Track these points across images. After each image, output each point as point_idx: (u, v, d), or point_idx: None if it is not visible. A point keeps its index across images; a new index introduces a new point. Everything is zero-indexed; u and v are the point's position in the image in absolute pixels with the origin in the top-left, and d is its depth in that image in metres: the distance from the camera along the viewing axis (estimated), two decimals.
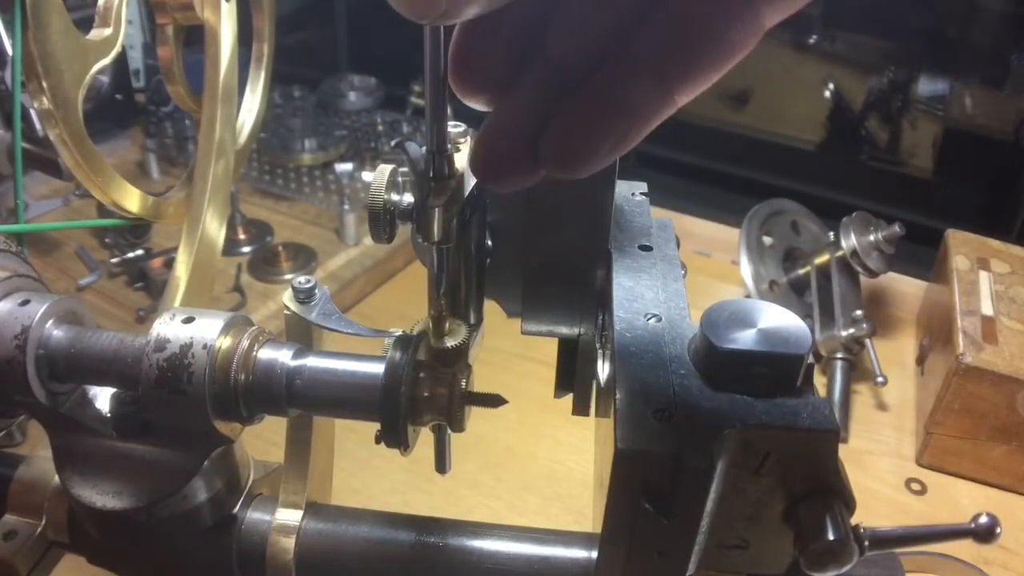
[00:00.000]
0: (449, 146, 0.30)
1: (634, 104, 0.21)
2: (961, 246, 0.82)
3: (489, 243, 0.35)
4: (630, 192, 0.38)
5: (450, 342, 0.33)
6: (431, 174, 0.29)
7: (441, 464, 0.35)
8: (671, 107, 0.22)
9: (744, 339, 0.26)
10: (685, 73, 0.21)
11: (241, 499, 0.36)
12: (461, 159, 0.31)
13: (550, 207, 0.33)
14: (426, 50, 0.26)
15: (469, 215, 0.32)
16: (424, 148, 0.29)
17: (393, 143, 0.31)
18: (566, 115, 0.22)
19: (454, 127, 0.32)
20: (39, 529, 0.36)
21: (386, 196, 0.31)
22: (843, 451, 0.25)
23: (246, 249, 0.93)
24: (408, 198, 0.31)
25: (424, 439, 0.34)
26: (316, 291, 0.34)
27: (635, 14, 0.21)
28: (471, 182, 0.31)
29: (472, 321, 0.35)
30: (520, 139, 0.23)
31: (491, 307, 0.37)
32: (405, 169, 0.31)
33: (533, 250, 0.34)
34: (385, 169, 0.31)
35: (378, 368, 0.31)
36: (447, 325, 0.33)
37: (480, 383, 0.33)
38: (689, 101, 0.22)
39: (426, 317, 0.34)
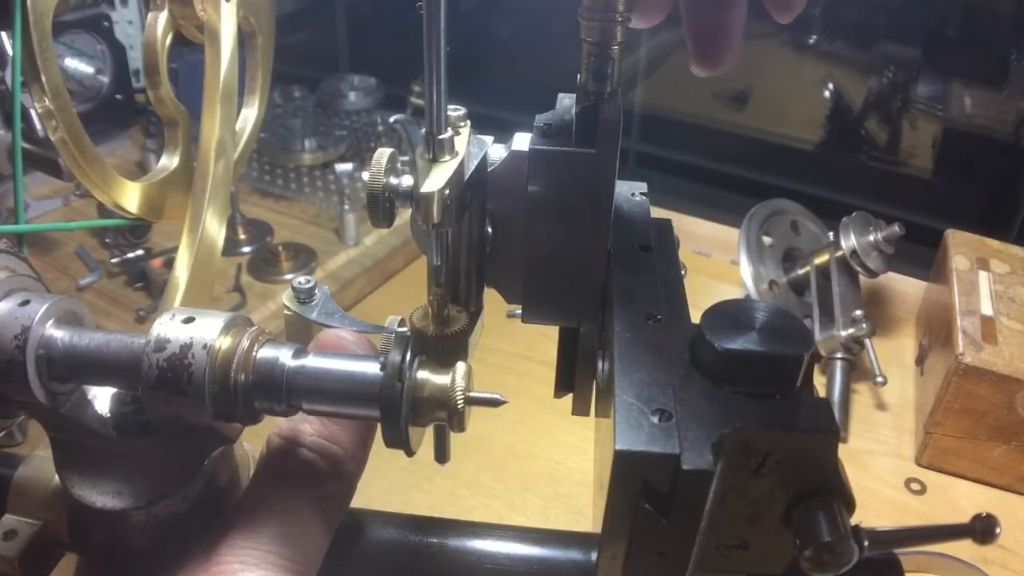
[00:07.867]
0: (449, 129, 0.29)
1: None
2: (961, 246, 0.82)
3: (489, 230, 0.35)
4: (630, 192, 0.38)
5: (450, 328, 0.33)
6: (431, 156, 0.29)
7: (441, 454, 0.35)
8: None
9: (744, 339, 0.26)
10: None
11: None
12: (461, 142, 0.31)
13: (550, 207, 0.33)
14: (426, 25, 0.26)
15: (470, 199, 0.32)
16: (424, 130, 0.29)
17: (392, 119, 0.30)
18: None
19: (454, 110, 0.31)
20: (39, 529, 0.36)
21: (385, 179, 0.30)
22: (843, 451, 0.25)
23: (246, 249, 0.93)
24: (407, 180, 0.30)
25: (423, 437, 0.34)
26: (316, 291, 0.34)
27: None
28: (471, 165, 0.31)
29: (472, 308, 0.35)
30: None
31: (491, 308, 0.37)
32: (405, 158, 0.30)
33: (533, 249, 0.34)
34: (384, 152, 0.31)
35: (378, 368, 0.31)
36: (447, 312, 0.33)
37: (480, 383, 0.33)
38: None
39: (426, 304, 0.33)
